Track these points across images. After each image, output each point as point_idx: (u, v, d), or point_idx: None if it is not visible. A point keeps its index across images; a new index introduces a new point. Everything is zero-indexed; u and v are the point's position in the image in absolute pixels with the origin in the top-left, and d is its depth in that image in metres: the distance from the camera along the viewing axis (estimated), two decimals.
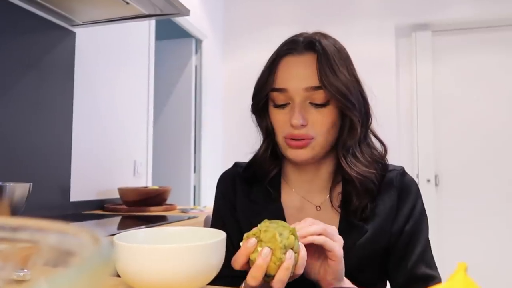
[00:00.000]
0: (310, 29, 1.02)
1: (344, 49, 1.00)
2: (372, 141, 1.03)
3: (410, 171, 3.53)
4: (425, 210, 1.01)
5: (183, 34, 3.35)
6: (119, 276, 0.66)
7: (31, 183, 1.24)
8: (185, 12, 1.75)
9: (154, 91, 2.80)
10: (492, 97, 3.50)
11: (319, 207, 1.00)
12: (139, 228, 1.38)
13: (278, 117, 0.96)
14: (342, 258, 0.76)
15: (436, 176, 3.59)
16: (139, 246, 0.64)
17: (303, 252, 0.72)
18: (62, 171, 1.96)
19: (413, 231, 0.96)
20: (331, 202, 0.99)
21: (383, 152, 1.03)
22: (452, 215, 3.53)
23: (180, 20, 3.03)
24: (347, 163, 0.94)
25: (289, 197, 1.04)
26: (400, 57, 3.71)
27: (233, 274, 0.77)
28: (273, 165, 1.04)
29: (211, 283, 0.70)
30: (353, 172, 0.93)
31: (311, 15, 3.76)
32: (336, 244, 0.75)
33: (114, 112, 2.34)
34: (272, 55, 1.00)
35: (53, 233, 0.24)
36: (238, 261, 0.72)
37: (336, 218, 0.97)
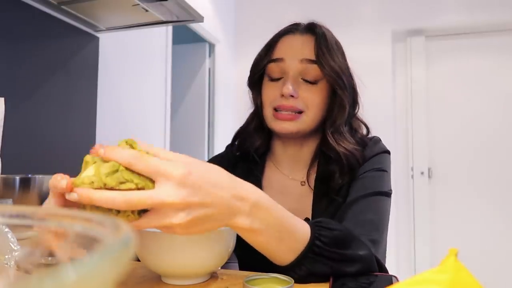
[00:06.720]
0: None
1: (338, 41, 0.99)
2: (358, 126, 1.01)
3: (405, 164, 3.56)
4: (379, 182, 0.89)
5: (197, 39, 3.34)
6: (138, 260, 0.66)
7: None
8: (200, 18, 1.74)
9: (171, 91, 2.80)
10: (481, 97, 3.47)
11: (304, 182, 0.97)
12: None
13: (270, 90, 0.93)
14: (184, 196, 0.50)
15: (429, 169, 3.56)
16: (156, 232, 0.63)
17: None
18: None
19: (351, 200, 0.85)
20: (307, 179, 0.96)
21: (366, 133, 1.01)
22: (444, 204, 3.50)
23: (195, 26, 3.02)
24: (335, 140, 0.91)
25: (273, 175, 1.00)
26: (397, 60, 3.68)
27: None
28: (258, 138, 1.01)
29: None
30: (341, 148, 0.89)
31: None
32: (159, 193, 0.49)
33: (134, 110, 2.34)
34: (273, 36, 0.99)
35: (79, 222, 0.24)
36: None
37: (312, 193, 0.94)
